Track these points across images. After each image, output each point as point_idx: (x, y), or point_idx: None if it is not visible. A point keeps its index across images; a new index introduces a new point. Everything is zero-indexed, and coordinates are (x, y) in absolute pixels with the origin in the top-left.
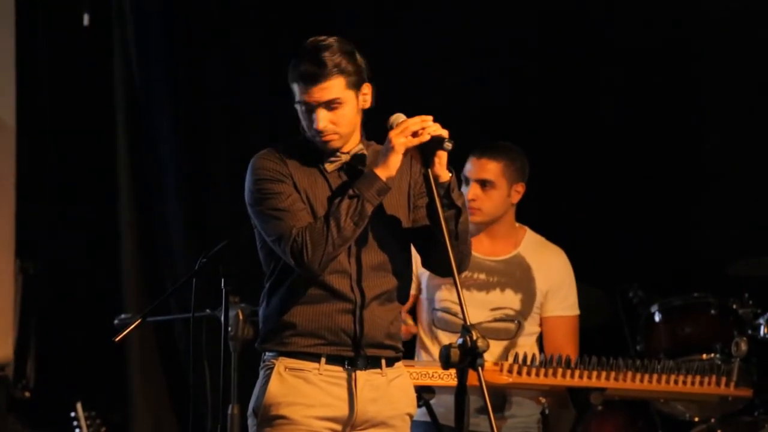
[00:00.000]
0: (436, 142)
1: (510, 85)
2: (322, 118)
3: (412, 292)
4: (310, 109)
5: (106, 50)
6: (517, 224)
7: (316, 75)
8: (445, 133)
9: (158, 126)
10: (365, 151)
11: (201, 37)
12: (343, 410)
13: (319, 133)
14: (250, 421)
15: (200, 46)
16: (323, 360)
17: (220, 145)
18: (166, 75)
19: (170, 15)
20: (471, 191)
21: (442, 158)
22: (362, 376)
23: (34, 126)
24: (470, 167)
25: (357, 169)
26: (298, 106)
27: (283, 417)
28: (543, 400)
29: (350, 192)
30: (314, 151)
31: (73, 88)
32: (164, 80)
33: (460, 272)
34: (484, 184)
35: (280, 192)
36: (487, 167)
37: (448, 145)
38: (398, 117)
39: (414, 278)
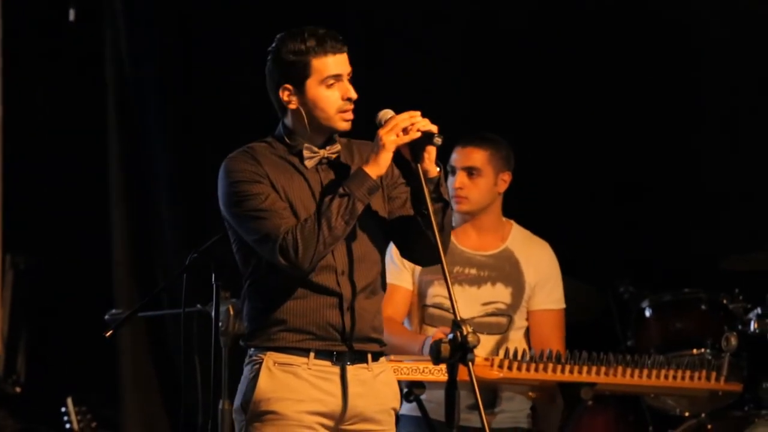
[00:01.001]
0: (425, 138)
1: (505, 79)
2: (352, 88)
3: (409, 288)
4: (339, 79)
5: (97, 47)
6: (504, 218)
7: (340, 44)
8: (434, 128)
9: (150, 122)
10: (339, 145)
11: (193, 34)
12: (332, 405)
13: (350, 102)
14: (238, 417)
15: (193, 43)
16: (312, 355)
17: (213, 142)
18: (158, 71)
19: (162, 12)
20: (458, 180)
21: (431, 153)
22: (350, 370)
23: (25, 120)
24: (456, 156)
25: (333, 164)
26: (319, 87)
27: (273, 412)
28: (532, 394)
29: (340, 190)
30: (289, 148)
31: (64, 82)
32: (156, 77)
33: (439, 262)
34: (470, 172)
35: (258, 193)
36: (473, 155)
37: (438, 141)
38: (386, 113)
39: (409, 275)
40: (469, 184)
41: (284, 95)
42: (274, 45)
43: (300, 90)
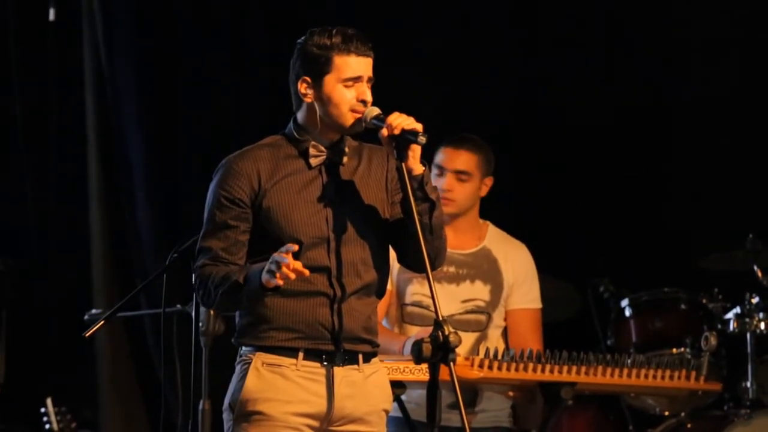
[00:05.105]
0: (410, 136)
1: (483, 81)
2: (369, 92)
3: (388, 287)
4: (359, 81)
5: (75, 46)
6: (480, 219)
7: (366, 48)
8: (419, 126)
9: (128, 121)
10: (346, 147)
11: (171, 33)
12: (319, 406)
13: (364, 105)
14: (226, 416)
15: (170, 42)
16: (301, 355)
17: (190, 141)
18: (136, 71)
19: (139, 11)
20: (447, 182)
21: (415, 152)
22: (339, 372)
23: (3, 120)
24: (446, 157)
25: (338, 165)
26: (337, 85)
27: (260, 413)
28: (512, 394)
29: (234, 279)
30: (296, 146)
31: (42, 83)
32: (133, 76)
33: (435, 267)
34: (461, 175)
35: (224, 223)
36: (466, 159)
37: (422, 139)
38: (372, 110)
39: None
40: (458, 187)
41: (302, 87)
42: (302, 38)
43: (318, 84)
